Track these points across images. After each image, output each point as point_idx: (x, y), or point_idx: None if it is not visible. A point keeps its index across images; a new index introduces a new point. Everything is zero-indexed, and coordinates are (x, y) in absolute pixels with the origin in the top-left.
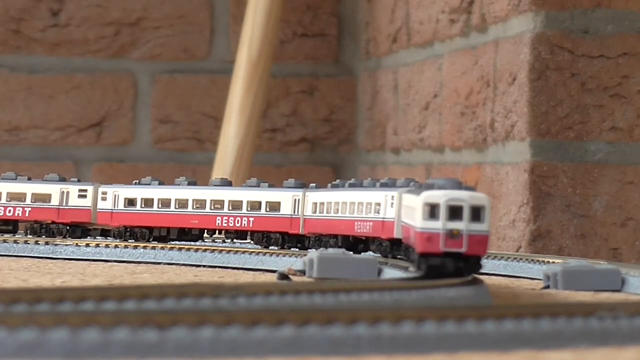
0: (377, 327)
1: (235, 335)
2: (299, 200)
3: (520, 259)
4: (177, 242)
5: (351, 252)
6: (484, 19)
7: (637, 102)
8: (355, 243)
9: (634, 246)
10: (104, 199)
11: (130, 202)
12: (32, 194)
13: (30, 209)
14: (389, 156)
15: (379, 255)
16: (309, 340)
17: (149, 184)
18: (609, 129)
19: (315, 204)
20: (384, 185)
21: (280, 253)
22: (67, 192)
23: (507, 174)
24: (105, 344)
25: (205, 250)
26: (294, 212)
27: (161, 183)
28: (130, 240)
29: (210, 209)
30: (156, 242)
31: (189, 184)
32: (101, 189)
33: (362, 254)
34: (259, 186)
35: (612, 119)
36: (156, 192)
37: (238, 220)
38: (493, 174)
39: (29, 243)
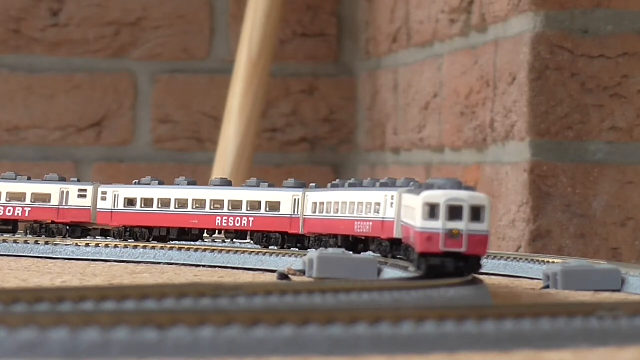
0: (377, 327)
1: (235, 335)
2: (298, 200)
3: (520, 259)
4: (177, 242)
5: (351, 252)
6: (483, 18)
7: (637, 102)
8: (355, 243)
9: (634, 246)
10: (103, 199)
11: (130, 202)
12: (32, 193)
13: (30, 208)
14: (388, 156)
15: (379, 255)
16: (309, 340)
17: (149, 184)
18: (608, 129)
19: (315, 203)
20: (384, 185)
21: (280, 253)
22: (67, 192)
23: (507, 174)
24: (105, 344)
25: (205, 250)
26: (294, 212)
27: (161, 183)
28: (130, 240)
29: (210, 209)
30: (156, 242)
31: (189, 184)
32: (101, 189)
33: (362, 254)
34: (258, 186)
35: (612, 119)
36: (156, 192)
37: (238, 220)
38: (493, 174)
39: (28, 243)
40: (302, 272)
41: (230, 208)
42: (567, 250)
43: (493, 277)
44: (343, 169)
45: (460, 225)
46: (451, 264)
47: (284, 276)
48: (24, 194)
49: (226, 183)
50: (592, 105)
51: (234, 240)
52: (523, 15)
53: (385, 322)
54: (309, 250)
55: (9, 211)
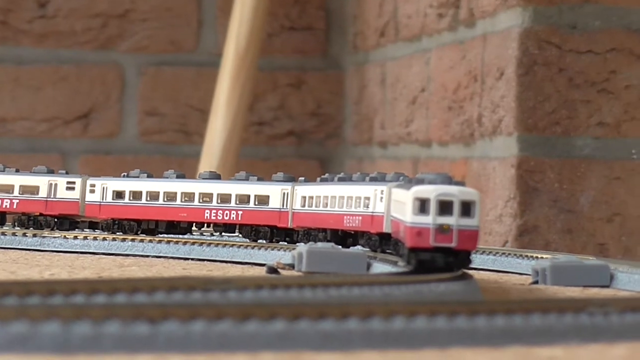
0: (368, 322)
1: (226, 329)
2: (287, 193)
3: (509, 254)
4: (166, 235)
5: (340, 246)
6: (472, 13)
7: (624, 97)
8: (344, 237)
9: (621, 241)
10: (92, 191)
11: (119, 194)
12: (20, 185)
13: (18, 201)
14: (376, 150)
15: (368, 249)
16: (300, 335)
17: (138, 177)
18: (596, 125)
19: (304, 197)
20: (374, 180)
21: (268, 247)
22: (55, 184)
23: (494, 168)
24: (96, 338)
25: (193, 243)
26: (283, 206)
27: (150, 176)
28: (118, 233)
29: (199, 202)
30: (144, 235)
31: (178, 177)
32: (89, 182)
33: (351, 248)
34: (247, 180)
35: (600, 114)
36: (144, 185)
37: (227, 214)
38: (480, 169)
39: (16, 235)
40: (291, 266)
41: (219, 201)
42: (554, 245)
43: (482, 272)
44: (330, 163)
45: (451, 220)
46: (441, 258)
47: (273, 270)
48: (12, 186)
49: (215, 176)
50: (580, 100)
51: (223, 233)
52: (511, 10)
53: (377, 317)
54: (297, 244)
55: None
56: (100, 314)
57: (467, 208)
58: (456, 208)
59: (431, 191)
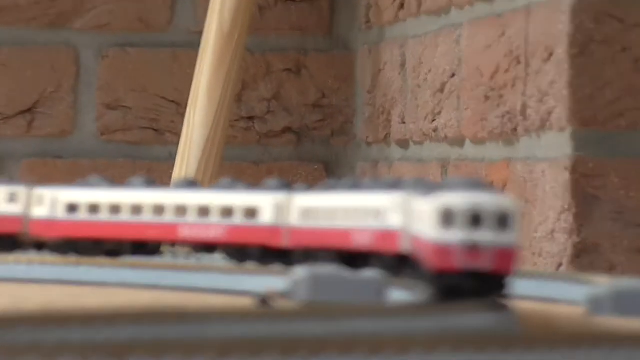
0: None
1: None
2: (282, 205)
3: (559, 278)
4: (131, 258)
5: (348, 270)
6: None
7: None
8: (353, 258)
9: None
10: (39, 203)
11: (72, 207)
12: None
13: None
14: (394, 150)
15: (382, 273)
16: None
17: (96, 186)
18: None
19: (303, 209)
20: (388, 187)
21: (259, 271)
22: None
23: (543, 172)
24: None
25: (165, 267)
26: (276, 220)
27: (111, 184)
28: (72, 256)
29: (172, 216)
30: (105, 258)
31: (146, 185)
32: (36, 192)
33: (362, 271)
34: (232, 188)
35: None
36: (104, 196)
37: (206, 230)
38: (525, 173)
39: None
40: (287, 295)
41: (196, 215)
42: (621, 268)
43: (524, 300)
44: (338, 167)
45: (482, 235)
46: (470, 283)
47: (264, 300)
48: None
49: (191, 184)
50: None
51: (201, 255)
52: None
53: (388, 352)
54: (295, 267)
55: None
56: (49, 352)
57: (502, 220)
58: (489, 221)
59: (458, 200)
